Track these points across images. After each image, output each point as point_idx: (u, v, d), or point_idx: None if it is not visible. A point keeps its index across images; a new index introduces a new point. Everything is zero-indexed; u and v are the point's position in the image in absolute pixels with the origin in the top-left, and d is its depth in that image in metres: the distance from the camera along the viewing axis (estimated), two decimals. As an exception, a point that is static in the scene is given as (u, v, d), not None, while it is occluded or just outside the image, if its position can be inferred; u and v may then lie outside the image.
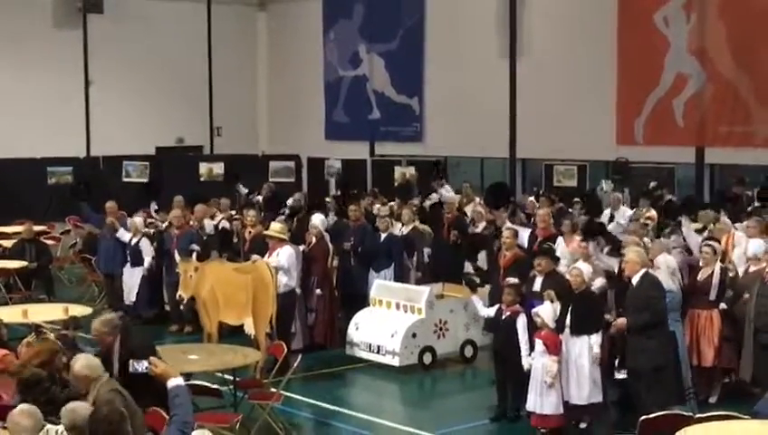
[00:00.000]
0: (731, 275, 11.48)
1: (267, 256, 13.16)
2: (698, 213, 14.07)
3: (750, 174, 19.39)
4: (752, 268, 11.60)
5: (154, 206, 18.46)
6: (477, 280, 12.31)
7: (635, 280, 10.29)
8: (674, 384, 10.25)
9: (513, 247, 12.58)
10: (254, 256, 13.27)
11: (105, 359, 8.17)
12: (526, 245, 13.32)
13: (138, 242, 16.25)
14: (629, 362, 10.30)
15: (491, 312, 11.41)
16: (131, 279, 16.33)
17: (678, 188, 19.97)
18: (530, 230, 13.85)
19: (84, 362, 7.34)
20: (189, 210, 16.88)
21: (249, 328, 12.29)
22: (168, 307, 16.15)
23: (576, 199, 17.02)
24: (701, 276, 11.51)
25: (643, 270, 10.28)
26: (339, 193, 20.23)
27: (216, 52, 27.97)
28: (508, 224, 13.74)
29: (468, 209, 16.82)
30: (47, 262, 17.61)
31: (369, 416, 11.55)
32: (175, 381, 5.73)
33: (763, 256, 11.44)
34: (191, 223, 16.23)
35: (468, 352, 13.72)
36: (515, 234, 12.92)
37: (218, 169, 23.80)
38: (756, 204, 14.63)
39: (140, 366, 5.93)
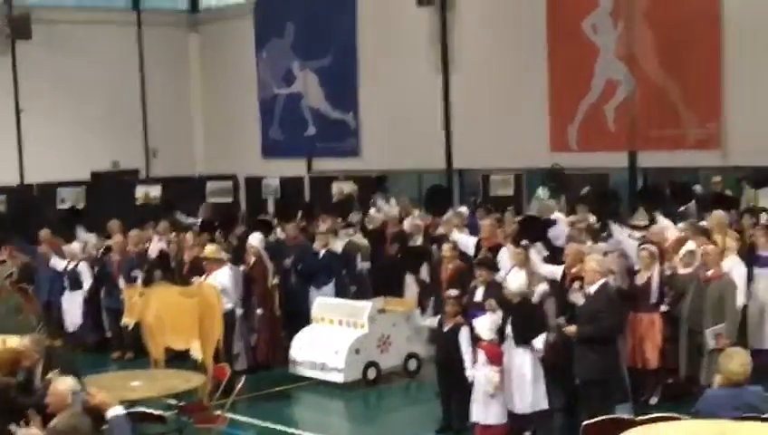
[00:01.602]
0: (668, 274, 11.63)
1: (204, 277, 13.09)
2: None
3: (681, 176, 19.68)
4: (686, 270, 11.78)
5: (81, 231, 18.19)
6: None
7: (593, 289, 10.23)
8: (615, 396, 10.25)
9: (453, 260, 12.64)
10: (196, 279, 13.20)
11: (27, 378, 8.10)
12: (473, 253, 13.36)
13: (75, 267, 16.07)
14: (576, 370, 10.36)
15: (433, 323, 11.46)
16: (71, 305, 16.17)
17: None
18: (476, 239, 13.91)
19: (70, 385, 7.21)
20: (126, 234, 16.71)
21: (196, 352, 12.14)
22: (109, 334, 15.98)
23: (509, 208, 17.14)
24: (640, 280, 11.66)
25: (603, 280, 10.25)
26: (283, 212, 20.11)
27: (148, 74, 27.78)
28: (454, 234, 13.75)
29: (407, 223, 16.87)
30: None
31: (316, 434, 11.52)
32: (114, 411, 5.64)
33: (692, 258, 11.63)
34: (128, 248, 16.08)
35: (412, 365, 13.76)
36: (455, 246, 12.99)
37: (155, 191, 23.58)
38: (683, 207, 14.86)
39: (77, 397, 5.83)
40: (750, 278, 12.68)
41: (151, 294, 12.68)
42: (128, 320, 12.80)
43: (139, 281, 13.37)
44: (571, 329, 10.35)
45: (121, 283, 14.87)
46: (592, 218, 15.23)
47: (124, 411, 5.71)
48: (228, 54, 28.08)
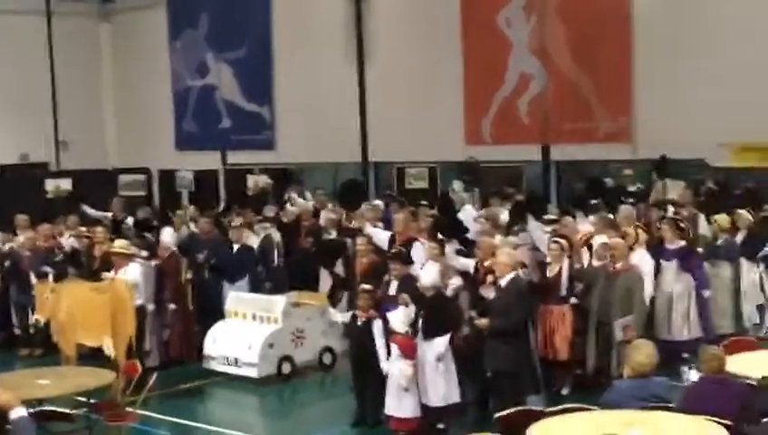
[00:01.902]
0: (576, 266, 11.80)
1: (113, 273, 12.90)
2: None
3: (593, 169, 19.98)
4: (595, 262, 11.97)
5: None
6: None
7: (503, 282, 10.31)
8: (527, 387, 10.36)
9: (368, 254, 12.63)
10: (106, 274, 13.00)
11: None
12: (386, 247, 13.37)
13: (-20, 263, 15.73)
14: (486, 362, 10.42)
15: (346, 318, 11.46)
16: (-24, 301, 15.80)
17: (527, 187, 20.42)
18: (390, 233, 13.92)
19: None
20: (35, 229, 16.38)
21: (108, 349, 11.95)
22: (17, 330, 15.66)
23: (423, 202, 17.22)
24: (550, 273, 11.80)
25: (513, 273, 10.32)
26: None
27: (58, 65, 27.25)
28: (368, 228, 13.74)
29: (321, 216, 16.83)
30: None
31: (230, 430, 11.44)
32: (17, 413, 5.48)
33: (605, 251, 11.81)
34: (38, 243, 15.76)
35: (327, 359, 13.74)
36: (370, 240, 12.99)
37: (66, 184, 23.16)
38: (593, 201, 15.08)
39: None
40: (657, 271, 12.93)
41: (63, 290, 12.41)
42: (40, 316, 12.55)
43: (51, 277, 13.07)
44: (483, 322, 10.44)
45: (33, 278, 14.53)
46: (504, 214, 15.37)
47: (26, 413, 5.53)
48: (141, 45, 27.70)
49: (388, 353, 10.73)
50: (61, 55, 27.24)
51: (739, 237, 13.87)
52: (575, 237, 12.67)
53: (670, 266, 13.03)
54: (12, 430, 5.38)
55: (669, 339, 12.96)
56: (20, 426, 5.36)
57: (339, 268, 15.16)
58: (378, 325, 10.86)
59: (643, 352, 7.81)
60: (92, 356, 12.22)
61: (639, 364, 7.75)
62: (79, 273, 14.59)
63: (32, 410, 9.53)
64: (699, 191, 16.75)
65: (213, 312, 14.44)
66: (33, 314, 12.83)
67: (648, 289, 12.09)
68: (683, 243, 13.15)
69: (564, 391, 11.68)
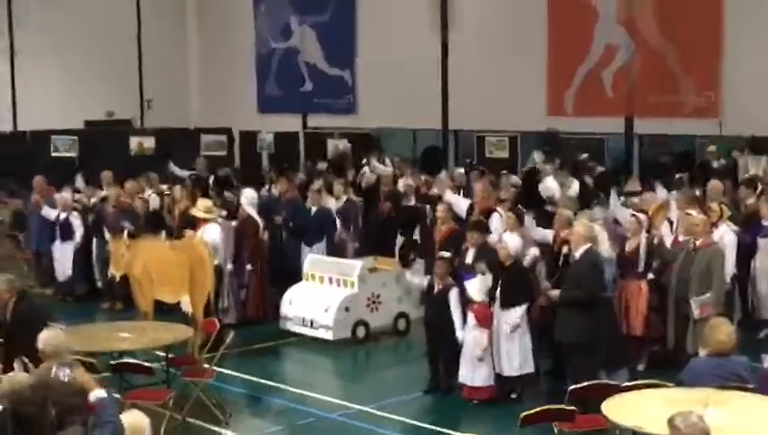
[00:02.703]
0: (656, 242, 11.65)
1: (194, 231, 13.05)
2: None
3: (678, 144, 19.68)
4: (681, 238, 11.79)
5: (80, 180, 18.14)
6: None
7: (578, 254, 10.24)
8: (599, 360, 10.25)
9: (447, 221, 12.61)
10: (188, 232, 13.17)
11: None
12: (465, 216, 13.33)
13: (67, 217, 16.06)
14: (557, 334, 10.38)
15: (423, 281, 11.50)
16: (63, 255, 16.17)
17: (609, 159, 20.18)
18: (469, 202, 13.86)
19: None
20: (119, 185, 16.68)
21: (186, 306, 12.14)
22: (99, 284, 16.00)
23: (504, 171, 17.11)
24: (628, 248, 11.66)
25: (587, 245, 10.22)
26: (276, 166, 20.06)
27: (145, 24, 27.58)
28: (448, 195, 13.69)
29: (400, 183, 16.85)
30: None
31: (303, 390, 11.58)
32: (98, 393, 5.59)
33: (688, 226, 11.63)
34: (123, 199, 16.05)
35: (401, 325, 13.80)
36: (450, 208, 12.97)
37: (149, 142, 23.47)
38: (678, 175, 14.84)
39: (62, 373, 5.79)
40: (754, 249, 12.73)
41: (138, 246, 12.62)
42: (114, 271, 12.80)
43: (125, 233, 13.31)
44: (554, 293, 10.41)
45: (107, 234, 14.80)
46: (576, 186, 15.23)
47: (105, 393, 5.64)
48: (226, 6, 27.88)
49: (464, 322, 10.74)
50: (147, 14, 27.56)
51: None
52: (654, 211, 12.51)
53: (765, 243, 12.81)
54: (95, 412, 5.48)
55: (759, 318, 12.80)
56: (102, 406, 5.47)
57: (416, 235, 15.19)
58: (454, 293, 10.87)
59: (723, 331, 7.69)
60: (171, 312, 12.44)
61: (719, 342, 7.64)
62: (160, 230, 14.83)
63: (113, 362, 9.81)
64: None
65: (290, 273, 14.59)
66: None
67: (730, 267, 11.91)
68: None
69: (640, 368, 11.56)
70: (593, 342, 10.06)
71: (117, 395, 6.99)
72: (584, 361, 10.01)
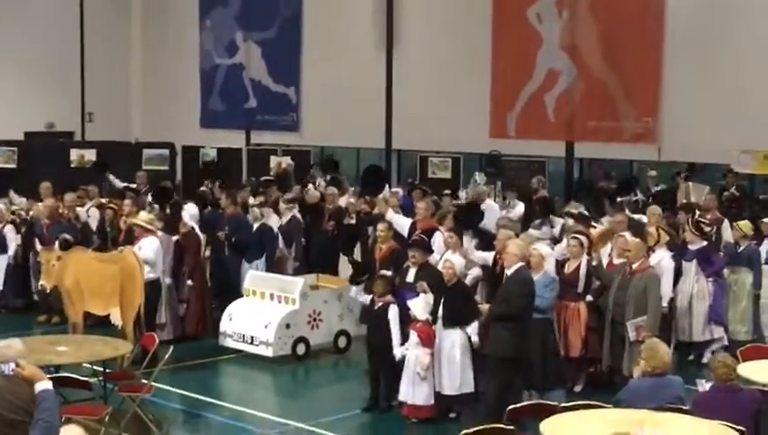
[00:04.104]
0: (594, 265, 11.80)
1: (134, 245, 12.98)
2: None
3: (616, 168, 19.97)
4: (616, 261, 11.97)
5: (12, 193, 17.88)
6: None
7: (509, 272, 10.37)
8: (520, 378, 10.33)
9: (388, 240, 12.64)
10: (121, 248, 13.09)
11: None
12: (407, 235, 13.36)
13: (1, 229, 15.84)
14: (485, 347, 10.42)
15: (366, 299, 11.51)
16: (-5, 268, 15.93)
17: (549, 182, 20.41)
18: (411, 221, 13.92)
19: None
20: (59, 197, 16.49)
21: (116, 319, 12.14)
22: (36, 297, 15.79)
23: (446, 191, 17.20)
24: (568, 269, 11.80)
25: (519, 263, 10.34)
26: (214, 182, 19.99)
27: (88, 35, 27.36)
28: (389, 214, 13.72)
29: (342, 201, 16.86)
30: None
31: (242, 407, 11.51)
32: (43, 385, 5.52)
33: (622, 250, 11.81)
34: (61, 212, 15.87)
35: (342, 342, 13.79)
36: (390, 226, 13.00)
37: (90, 155, 23.27)
38: (619, 199, 15.05)
39: (7, 368, 5.68)
40: (679, 272, 12.97)
41: (69, 258, 12.57)
42: (45, 283, 12.70)
43: (57, 244, 13.17)
44: (484, 307, 10.53)
45: (38, 246, 14.63)
46: (520, 207, 15.37)
47: (51, 386, 5.58)
48: (172, 20, 27.76)
49: (403, 340, 10.77)
50: (91, 26, 27.35)
51: (765, 245, 13.81)
52: (598, 235, 12.66)
53: (691, 267, 13.05)
54: (37, 403, 5.41)
55: (688, 341, 13.02)
56: (45, 398, 5.40)
57: (357, 254, 15.19)
58: (393, 311, 10.89)
59: (663, 351, 7.82)
60: (103, 325, 12.34)
61: (661, 363, 7.76)
62: (103, 244, 14.70)
63: (49, 377, 9.66)
64: (722, 197, 16.71)
65: (231, 289, 14.53)
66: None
67: (666, 290, 12.11)
68: (704, 244, 13.16)
69: (577, 389, 11.68)
70: (518, 357, 10.11)
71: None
72: (502, 375, 10.06)
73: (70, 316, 12.39)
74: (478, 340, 10.52)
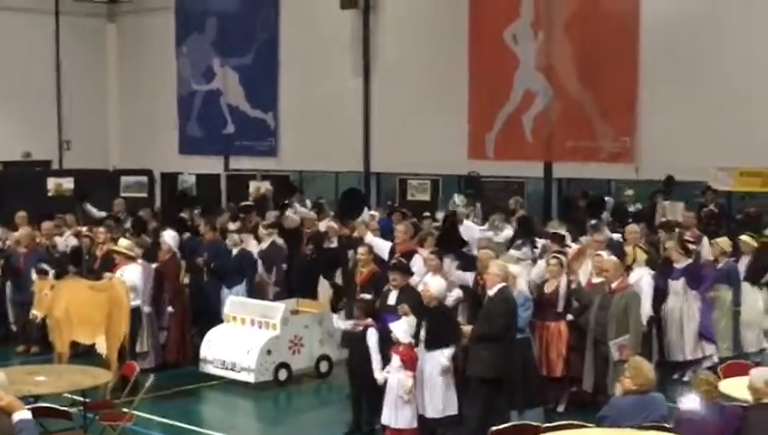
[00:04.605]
0: (573, 286, 11.81)
1: (114, 272, 12.91)
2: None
3: (594, 188, 20.03)
4: (595, 280, 11.97)
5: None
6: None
7: (491, 292, 10.38)
8: (505, 398, 10.35)
9: (368, 264, 12.60)
10: (108, 274, 13.01)
11: None
12: (387, 257, 13.34)
13: (-23, 259, 15.75)
14: (468, 367, 10.39)
15: (348, 325, 11.46)
16: (-27, 299, 15.80)
17: (528, 202, 20.46)
18: (390, 244, 13.91)
19: None
20: (35, 227, 16.39)
21: (101, 347, 12.02)
22: (13, 327, 15.65)
23: (426, 214, 17.20)
24: (548, 289, 11.79)
25: (501, 284, 10.35)
26: (191, 211, 19.93)
27: (64, 64, 27.32)
28: (368, 237, 13.68)
29: (322, 225, 16.84)
30: None
31: (224, 433, 11.44)
32: (20, 415, 5.48)
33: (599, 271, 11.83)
34: (38, 241, 15.78)
35: (324, 367, 13.74)
36: (371, 250, 12.97)
37: (68, 184, 23.20)
38: (592, 220, 15.09)
39: None
40: (665, 291, 13.01)
41: (62, 287, 12.48)
42: (38, 312, 12.58)
43: (51, 274, 13.09)
44: (466, 328, 10.52)
45: (33, 275, 14.54)
46: (508, 230, 15.39)
47: (30, 415, 5.54)
48: (148, 48, 27.75)
49: (384, 363, 10.73)
50: (67, 54, 27.31)
51: (743, 262, 13.88)
52: (574, 256, 12.67)
53: (678, 286, 13.09)
54: (16, 433, 5.37)
55: (681, 360, 13.06)
56: (23, 428, 5.36)
57: (337, 278, 15.16)
58: (372, 334, 10.85)
59: (645, 370, 7.83)
60: (86, 354, 12.24)
61: (647, 380, 7.76)
62: (78, 271, 14.62)
63: (28, 407, 9.57)
64: (700, 214, 16.79)
65: (210, 316, 14.45)
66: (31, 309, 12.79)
67: (646, 309, 12.12)
68: (689, 261, 13.21)
69: (560, 408, 11.67)
70: (500, 378, 10.10)
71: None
72: (485, 396, 10.04)
73: (56, 346, 12.26)
74: (449, 364, 10.47)
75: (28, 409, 8.97)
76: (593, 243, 13.05)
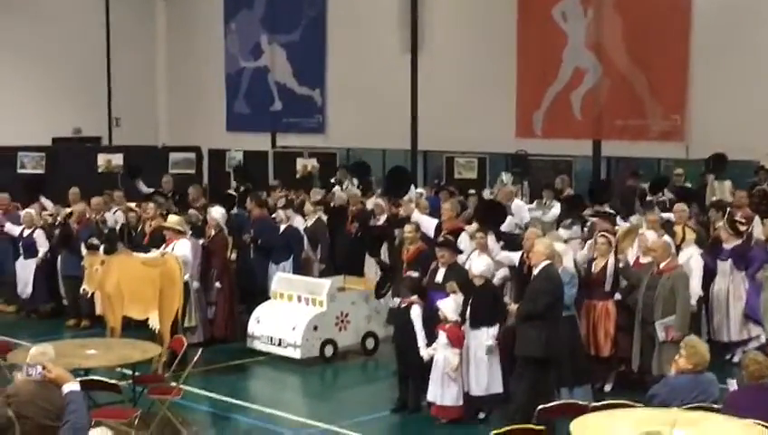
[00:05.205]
0: (621, 265, 11.71)
1: (164, 247, 13.00)
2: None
3: (644, 167, 19.85)
4: (643, 260, 11.87)
5: (43, 198, 18.01)
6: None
7: (536, 271, 10.36)
8: (554, 375, 10.30)
9: (415, 241, 12.58)
10: (154, 250, 13.10)
11: None
12: (433, 235, 13.32)
13: (31, 234, 15.94)
14: (516, 348, 10.37)
15: (394, 303, 11.47)
16: (24, 272, 16.06)
17: (576, 181, 20.30)
18: (437, 222, 13.87)
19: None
20: (86, 202, 16.58)
21: (154, 322, 12.06)
22: (64, 301, 15.86)
23: (472, 191, 17.12)
24: (595, 268, 11.71)
25: (546, 261, 10.32)
26: (240, 186, 20.04)
27: (114, 40, 27.50)
28: (415, 215, 13.65)
29: (369, 202, 16.85)
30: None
31: (271, 409, 11.52)
32: (70, 387, 5.54)
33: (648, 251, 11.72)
34: (89, 216, 15.95)
35: (369, 344, 13.78)
36: (417, 228, 12.95)
37: (117, 160, 23.38)
38: (649, 197, 14.93)
39: (34, 371, 5.69)
40: (715, 271, 12.88)
41: (113, 262, 12.52)
42: (88, 287, 12.67)
43: (101, 249, 13.21)
44: (512, 307, 10.51)
45: (84, 250, 14.72)
46: (556, 208, 15.31)
47: (79, 387, 5.60)
48: (196, 24, 27.84)
49: (429, 340, 10.73)
50: (117, 31, 27.49)
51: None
52: (623, 234, 12.55)
53: (726, 266, 12.95)
54: (65, 405, 5.43)
55: (726, 341, 12.94)
56: (72, 400, 5.42)
57: (384, 255, 15.16)
58: (416, 311, 10.85)
59: (701, 349, 7.77)
60: (137, 329, 12.35)
61: (702, 360, 7.71)
62: (128, 247, 14.75)
63: (79, 380, 9.70)
64: (752, 194, 16.55)
65: (258, 292, 14.54)
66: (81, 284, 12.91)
67: (696, 289, 12.00)
68: (738, 242, 13.05)
69: (607, 388, 11.62)
70: (548, 356, 10.08)
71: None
72: (533, 375, 10.03)
73: (108, 321, 12.33)
74: (495, 344, 10.45)
75: (78, 381, 9.11)
76: (648, 222, 12.91)
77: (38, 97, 25.81)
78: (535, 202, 16.22)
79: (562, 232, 12.75)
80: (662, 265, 11.17)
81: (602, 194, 15.84)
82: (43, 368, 5.64)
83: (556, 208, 15.23)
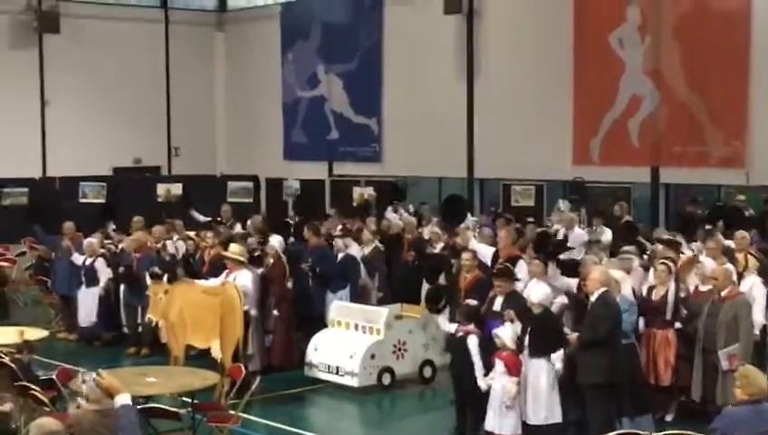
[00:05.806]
0: (682, 295, 11.57)
1: (224, 277, 13.11)
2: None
3: (703, 194, 19.63)
4: (703, 288, 11.70)
5: (112, 226, 18.29)
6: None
7: (593, 298, 10.32)
8: (616, 403, 10.19)
9: (473, 269, 12.55)
10: (214, 279, 13.20)
11: None
12: (490, 263, 13.28)
13: (93, 262, 16.14)
14: (578, 377, 10.32)
15: (451, 328, 11.44)
16: (86, 300, 16.23)
17: (635, 208, 20.15)
18: (494, 250, 13.84)
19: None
20: (147, 230, 16.78)
21: (216, 351, 12.13)
22: (125, 329, 16.02)
23: (530, 219, 17.05)
24: (656, 296, 11.60)
25: (603, 289, 10.28)
26: (297, 216, 20.16)
27: (173, 71, 27.93)
28: (472, 243, 13.63)
29: (426, 230, 16.84)
30: (2, 284, 17.40)
31: (328, 437, 11.54)
32: (122, 400, 5.56)
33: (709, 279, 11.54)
34: (150, 245, 16.13)
35: (427, 372, 13.74)
36: (475, 256, 12.93)
37: (176, 189, 23.67)
38: (708, 226, 14.73)
39: (89, 377, 5.73)
40: None
41: (175, 291, 12.65)
42: (152, 316, 12.79)
43: (165, 278, 13.35)
44: (573, 336, 10.45)
45: (148, 279, 14.88)
46: (608, 235, 15.18)
47: (130, 401, 5.64)
48: (254, 55, 28.17)
49: (487, 370, 10.67)
50: (176, 62, 27.93)
51: None
52: (684, 263, 12.41)
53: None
54: (115, 418, 5.46)
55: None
56: (123, 414, 5.46)
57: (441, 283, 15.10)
58: (473, 341, 10.80)
59: (757, 379, 7.63)
60: (199, 357, 12.43)
61: (758, 389, 7.57)
62: (188, 276, 14.87)
63: (139, 407, 9.79)
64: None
65: (315, 320, 14.58)
66: (145, 313, 13.02)
67: (759, 317, 11.79)
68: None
69: (668, 418, 11.46)
70: (610, 383, 10.01)
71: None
72: (602, 402, 9.94)
73: (172, 350, 12.44)
74: (562, 367, 10.40)
75: (139, 410, 9.20)
76: (709, 250, 12.75)
77: (100, 127, 26.27)
78: (586, 229, 16.10)
79: (619, 259, 12.62)
80: (724, 293, 11.02)
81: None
82: (97, 375, 5.68)
83: (607, 234, 15.12)
